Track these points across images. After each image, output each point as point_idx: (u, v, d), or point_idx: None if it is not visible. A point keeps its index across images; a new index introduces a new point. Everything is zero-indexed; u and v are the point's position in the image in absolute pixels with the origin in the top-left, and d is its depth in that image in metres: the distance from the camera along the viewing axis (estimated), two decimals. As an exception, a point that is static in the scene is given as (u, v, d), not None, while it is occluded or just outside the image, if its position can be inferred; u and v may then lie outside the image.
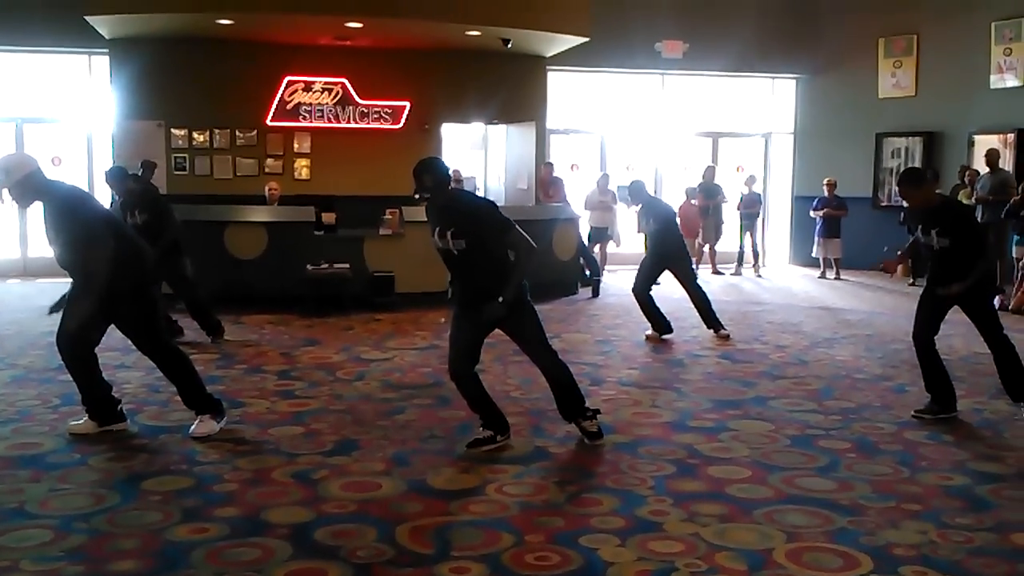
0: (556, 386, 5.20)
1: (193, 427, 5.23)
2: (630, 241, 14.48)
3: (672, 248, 8.70)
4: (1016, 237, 10.87)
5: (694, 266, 14.06)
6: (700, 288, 8.74)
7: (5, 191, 5.06)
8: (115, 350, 7.64)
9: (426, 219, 5.15)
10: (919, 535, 3.89)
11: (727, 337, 8.52)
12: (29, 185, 4.95)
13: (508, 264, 5.03)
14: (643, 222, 8.99)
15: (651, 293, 8.67)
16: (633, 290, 8.69)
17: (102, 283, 4.87)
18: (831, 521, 4.04)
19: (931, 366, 5.90)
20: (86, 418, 5.26)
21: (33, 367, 6.99)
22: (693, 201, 14.20)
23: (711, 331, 8.62)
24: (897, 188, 5.97)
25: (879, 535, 3.89)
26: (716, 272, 13.96)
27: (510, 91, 13.41)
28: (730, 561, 3.61)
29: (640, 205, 8.91)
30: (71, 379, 5.31)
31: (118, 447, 5.01)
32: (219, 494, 4.31)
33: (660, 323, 8.58)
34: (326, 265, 9.97)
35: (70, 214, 4.98)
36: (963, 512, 4.17)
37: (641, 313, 8.71)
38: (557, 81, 14.36)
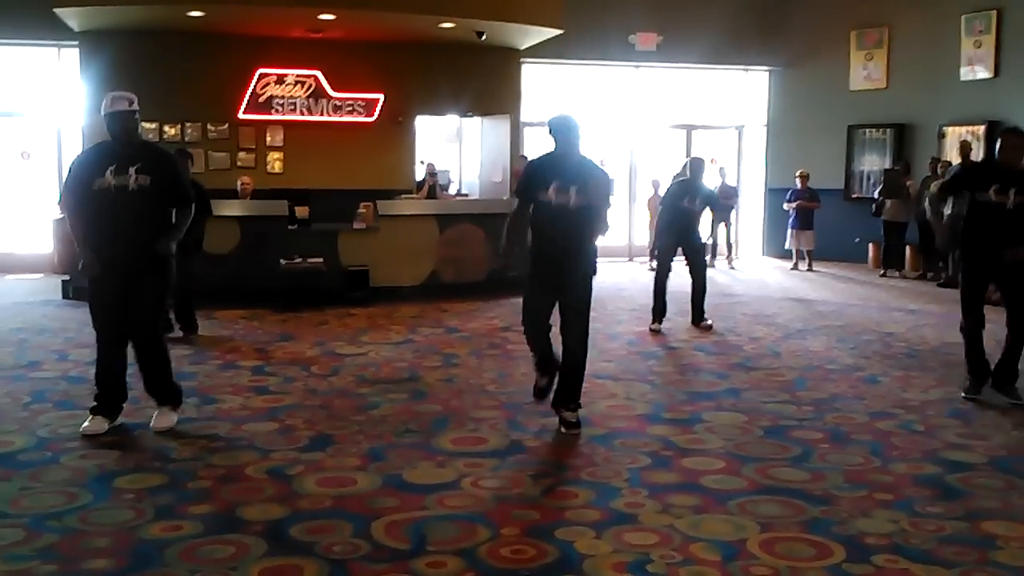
0: (569, 368, 5.29)
1: (154, 421, 5.20)
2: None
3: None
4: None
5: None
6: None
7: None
8: (87, 347, 7.59)
9: (535, 174, 5.27)
10: (891, 524, 3.93)
11: (710, 328, 8.60)
12: None
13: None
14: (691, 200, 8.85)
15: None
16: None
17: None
18: (804, 511, 4.07)
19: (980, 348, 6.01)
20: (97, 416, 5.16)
21: (3, 364, 6.91)
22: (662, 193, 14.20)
23: (693, 323, 8.71)
24: (1003, 139, 5.92)
25: (851, 524, 3.92)
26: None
27: (484, 84, 13.38)
28: (705, 552, 3.64)
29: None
30: (42, 376, 5.26)
31: (90, 445, 4.96)
32: (193, 491, 4.28)
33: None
34: (300, 259, 9.92)
35: None
36: (934, 501, 4.22)
37: (623, 307, 8.74)
38: (531, 74, 14.35)
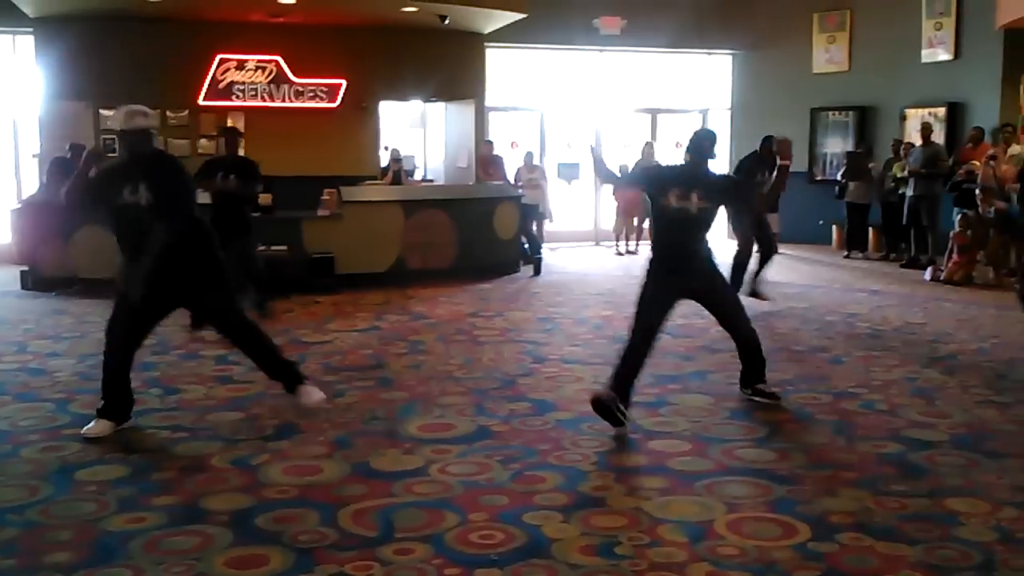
0: (747, 350, 5.46)
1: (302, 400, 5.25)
2: (571, 219, 14.56)
3: None
4: (955, 209, 11.11)
5: (635, 243, 14.18)
6: None
7: None
8: (46, 338, 7.49)
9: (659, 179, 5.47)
10: (855, 502, 3.97)
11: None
12: None
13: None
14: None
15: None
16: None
17: None
18: (770, 491, 4.10)
19: None
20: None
21: (-40, 357, 6.79)
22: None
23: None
24: None
25: (816, 503, 3.96)
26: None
27: (448, 68, 13.31)
28: (672, 533, 3.65)
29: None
30: (0, 368, 5.16)
31: (50, 437, 4.89)
32: (156, 483, 4.23)
33: None
34: (263, 247, 9.81)
35: None
36: (898, 479, 4.26)
37: (590, 292, 8.74)
38: (496, 58, 14.29)
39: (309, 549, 3.51)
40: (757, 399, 5.51)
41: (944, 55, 13.18)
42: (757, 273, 9.01)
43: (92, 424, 4.93)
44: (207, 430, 5.04)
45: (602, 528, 3.70)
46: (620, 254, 13.75)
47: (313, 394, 5.29)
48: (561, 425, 5.11)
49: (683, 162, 5.45)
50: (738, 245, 9.00)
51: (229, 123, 12.26)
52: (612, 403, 4.91)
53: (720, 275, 5.46)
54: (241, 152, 8.50)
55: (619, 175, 5.80)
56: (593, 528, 3.71)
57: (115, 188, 4.89)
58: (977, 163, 11.20)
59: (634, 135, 15.39)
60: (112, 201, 4.90)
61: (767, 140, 9.03)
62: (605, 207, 15.14)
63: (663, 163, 5.73)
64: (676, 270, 5.22)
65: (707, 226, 5.30)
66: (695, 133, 5.49)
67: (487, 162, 13.16)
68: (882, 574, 3.34)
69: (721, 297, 5.46)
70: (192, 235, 5.02)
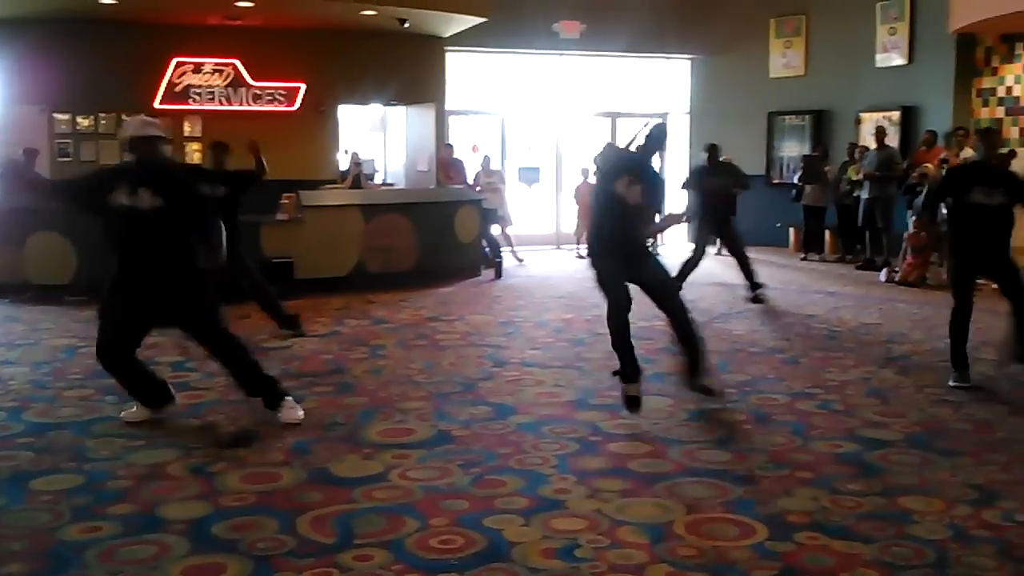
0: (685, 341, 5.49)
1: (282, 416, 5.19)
2: (532, 222, 14.57)
3: None
4: (908, 211, 11.27)
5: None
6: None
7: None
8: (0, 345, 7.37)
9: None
10: (811, 502, 4.01)
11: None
12: None
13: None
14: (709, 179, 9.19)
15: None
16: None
17: None
18: (728, 492, 4.13)
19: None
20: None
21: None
22: (590, 180, 14.27)
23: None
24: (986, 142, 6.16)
25: (774, 503, 4.00)
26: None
27: (408, 72, 13.28)
28: (632, 535, 3.67)
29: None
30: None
31: (3, 446, 4.81)
32: (111, 491, 4.17)
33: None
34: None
35: None
36: (853, 478, 4.32)
37: (550, 295, 8.77)
38: (456, 62, 14.28)
39: (267, 557, 3.48)
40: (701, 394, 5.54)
41: (898, 60, 13.38)
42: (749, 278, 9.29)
43: (134, 409, 5.23)
44: (163, 438, 4.97)
45: (562, 531, 3.71)
46: (581, 257, 13.78)
47: (295, 411, 5.22)
48: (522, 429, 5.11)
49: (635, 151, 5.48)
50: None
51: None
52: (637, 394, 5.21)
53: (654, 258, 5.58)
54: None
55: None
56: (553, 531, 3.71)
57: (108, 190, 4.90)
58: (930, 166, 11.37)
59: (594, 139, 15.44)
60: (102, 204, 4.90)
61: (710, 148, 9.16)
62: (566, 210, 15.18)
63: (617, 147, 5.78)
64: (612, 252, 5.33)
65: (642, 217, 5.39)
66: (657, 128, 5.50)
67: (447, 166, 13.15)
68: (838, 572, 3.38)
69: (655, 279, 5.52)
70: (184, 246, 5.02)
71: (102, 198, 4.92)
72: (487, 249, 12.05)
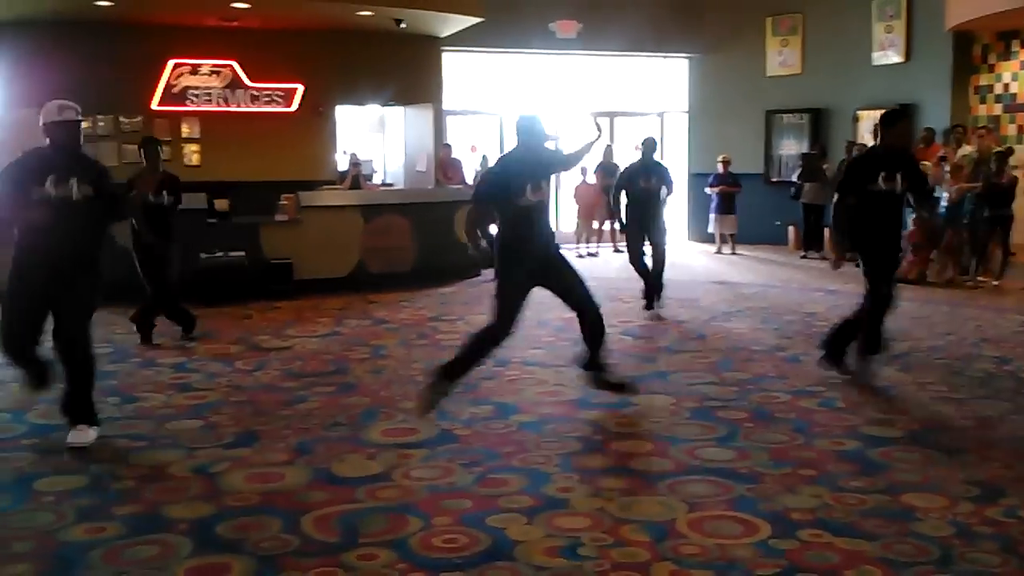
0: (594, 333, 5.41)
1: (71, 436, 4.83)
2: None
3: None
4: (908, 209, 11.25)
5: (595, 246, 14.25)
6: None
7: None
8: None
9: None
10: (814, 499, 4.02)
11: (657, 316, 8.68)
12: None
13: None
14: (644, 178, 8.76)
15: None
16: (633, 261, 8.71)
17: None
18: (731, 490, 4.14)
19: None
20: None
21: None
22: (590, 180, 14.29)
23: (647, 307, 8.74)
24: (896, 125, 5.91)
25: (777, 501, 4.00)
26: (617, 250, 14.11)
27: (405, 72, 13.27)
28: (635, 533, 3.67)
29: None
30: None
31: (5, 447, 4.81)
32: (115, 492, 4.17)
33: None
34: (221, 253, 9.73)
35: None
36: (856, 475, 4.32)
37: (548, 294, 8.71)
38: (453, 62, 14.28)
39: (272, 556, 3.49)
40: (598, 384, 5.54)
41: (895, 57, 13.40)
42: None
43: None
44: (166, 438, 4.98)
45: (566, 529, 3.72)
46: (581, 256, 13.77)
47: (86, 435, 4.84)
48: (524, 428, 5.12)
49: (519, 151, 5.41)
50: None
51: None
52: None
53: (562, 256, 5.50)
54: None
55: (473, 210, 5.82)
56: (557, 529, 3.72)
57: (37, 177, 4.77)
58: (927, 163, 11.39)
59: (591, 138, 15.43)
60: (28, 192, 4.76)
61: (648, 141, 8.99)
62: (565, 210, 15.18)
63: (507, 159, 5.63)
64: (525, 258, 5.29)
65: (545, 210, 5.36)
66: (524, 119, 5.48)
67: (446, 165, 13.16)
68: (842, 570, 3.38)
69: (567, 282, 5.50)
70: (101, 237, 4.98)
71: (27, 190, 4.76)
72: (487, 249, 12.02)
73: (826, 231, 13.75)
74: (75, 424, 4.86)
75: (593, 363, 5.49)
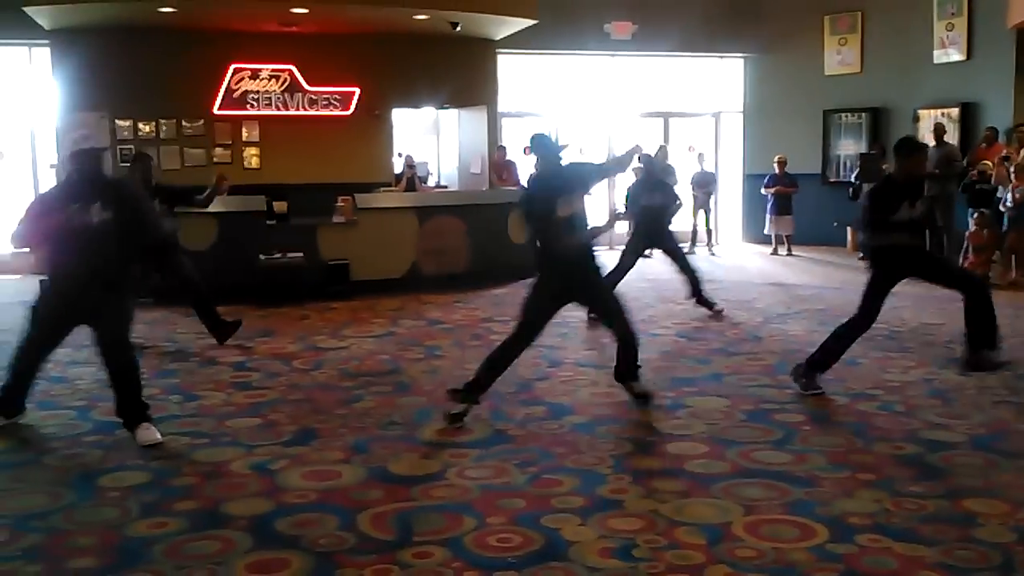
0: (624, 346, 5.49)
1: (139, 436, 4.96)
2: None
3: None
4: (970, 210, 11.08)
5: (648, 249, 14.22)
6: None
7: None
8: (67, 346, 7.53)
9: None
10: (873, 504, 3.97)
11: (720, 312, 8.72)
12: None
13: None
14: (647, 196, 8.84)
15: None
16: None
17: None
18: (787, 493, 4.10)
19: None
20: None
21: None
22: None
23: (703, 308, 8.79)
24: (914, 153, 5.86)
25: (834, 505, 3.96)
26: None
27: (460, 75, 13.35)
28: (689, 536, 3.66)
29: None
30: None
31: (73, 444, 4.94)
32: (177, 488, 4.27)
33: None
34: (279, 255, 9.88)
35: None
36: (915, 480, 4.26)
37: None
38: (507, 64, 14.33)
39: (329, 553, 3.54)
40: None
41: (956, 55, 13.14)
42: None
43: None
44: (226, 436, 5.08)
45: (619, 531, 3.72)
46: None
47: (152, 433, 4.98)
48: (577, 428, 5.12)
49: (540, 170, 5.54)
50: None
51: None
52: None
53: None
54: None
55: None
56: (610, 531, 3.72)
57: (62, 205, 4.98)
58: (988, 162, 11.17)
59: (646, 139, 15.38)
60: (57, 220, 4.97)
61: (646, 159, 8.92)
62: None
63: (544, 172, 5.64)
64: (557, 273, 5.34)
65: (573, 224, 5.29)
66: (535, 137, 5.45)
67: (500, 167, 13.20)
68: (901, 575, 3.34)
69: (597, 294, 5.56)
70: (129, 257, 5.13)
71: (55, 219, 4.97)
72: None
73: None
74: (133, 427, 4.99)
75: (624, 373, 5.57)
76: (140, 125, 12.50)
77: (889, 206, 5.71)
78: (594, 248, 5.44)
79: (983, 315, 5.85)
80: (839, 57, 14.86)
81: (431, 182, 14.05)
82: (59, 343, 5.25)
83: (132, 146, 12.47)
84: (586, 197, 5.40)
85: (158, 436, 4.96)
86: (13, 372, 5.20)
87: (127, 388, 5.04)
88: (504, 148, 13.55)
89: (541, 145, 5.39)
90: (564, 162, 5.51)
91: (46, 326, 5.18)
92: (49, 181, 12.76)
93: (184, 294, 7.62)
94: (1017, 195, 10.30)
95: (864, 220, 6.06)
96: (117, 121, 12.42)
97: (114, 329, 5.06)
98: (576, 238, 5.29)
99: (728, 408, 5.49)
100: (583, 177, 5.48)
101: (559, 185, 5.29)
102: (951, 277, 6.14)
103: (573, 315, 8.85)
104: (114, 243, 5.00)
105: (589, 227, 5.38)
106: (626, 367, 5.57)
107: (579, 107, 15.37)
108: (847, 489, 4.15)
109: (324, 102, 12.99)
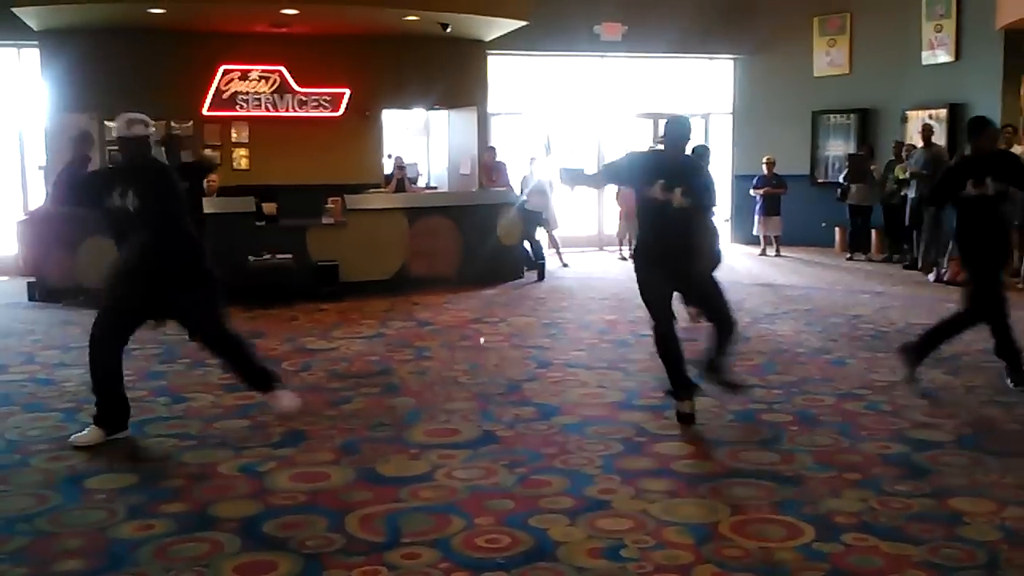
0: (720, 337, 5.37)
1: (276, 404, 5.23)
2: (574, 224, 14.55)
3: None
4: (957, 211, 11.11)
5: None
6: None
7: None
8: (54, 348, 7.52)
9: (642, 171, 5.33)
10: (860, 503, 3.98)
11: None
12: None
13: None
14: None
15: None
16: None
17: None
18: (774, 493, 4.12)
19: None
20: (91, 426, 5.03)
21: (-31, 368, 6.83)
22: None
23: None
24: (985, 130, 5.98)
25: (821, 504, 3.98)
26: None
27: (450, 76, 13.35)
28: (678, 536, 3.67)
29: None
30: (8, 379, 5.20)
31: (59, 447, 4.92)
32: (165, 490, 4.26)
33: None
34: (268, 256, 9.87)
35: None
36: (902, 479, 4.28)
37: (593, 296, 8.74)
38: (498, 65, 14.33)
39: (317, 555, 3.54)
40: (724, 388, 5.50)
41: (944, 57, 13.19)
42: None
43: (84, 432, 4.96)
44: (215, 438, 5.07)
45: (608, 531, 3.73)
46: (624, 259, 13.75)
47: (286, 399, 5.24)
48: (566, 429, 5.13)
49: (661, 152, 5.50)
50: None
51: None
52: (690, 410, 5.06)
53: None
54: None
55: (591, 175, 5.79)
56: (599, 531, 3.73)
57: (106, 191, 4.96)
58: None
59: (636, 140, 15.41)
60: (102, 203, 4.97)
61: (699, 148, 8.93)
62: (608, 212, 15.16)
63: (637, 152, 5.71)
64: (658, 262, 5.22)
65: (689, 220, 5.16)
66: (670, 122, 5.41)
67: (490, 168, 13.19)
68: (887, 574, 3.35)
69: (706, 291, 5.40)
70: (177, 244, 5.04)
71: (100, 198, 4.97)
72: (530, 251, 12.06)
73: (873, 233, 13.61)
74: (268, 392, 5.22)
75: (713, 365, 5.49)
76: (129, 126, 12.43)
77: (956, 182, 5.92)
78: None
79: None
80: (828, 58, 14.91)
81: (421, 183, 14.03)
82: (128, 334, 5.08)
83: (115, 141, 12.41)
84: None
85: (290, 402, 5.22)
86: (95, 382, 5.04)
87: (241, 368, 5.23)
88: (494, 149, 13.54)
89: (673, 130, 5.33)
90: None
91: (110, 324, 5.01)
92: (37, 182, 12.75)
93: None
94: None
95: (930, 193, 6.15)
96: (106, 122, 12.34)
97: (198, 318, 5.19)
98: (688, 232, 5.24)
99: (716, 408, 5.50)
100: (699, 175, 5.39)
101: (670, 171, 5.20)
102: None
103: (563, 316, 8.88)
104: (153, 229, 4.91)
105: None
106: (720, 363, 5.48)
107: (569, 108, 15.38)
108: (834, 488, 4.17)
109: (314, 103, 12.98)
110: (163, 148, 7.99)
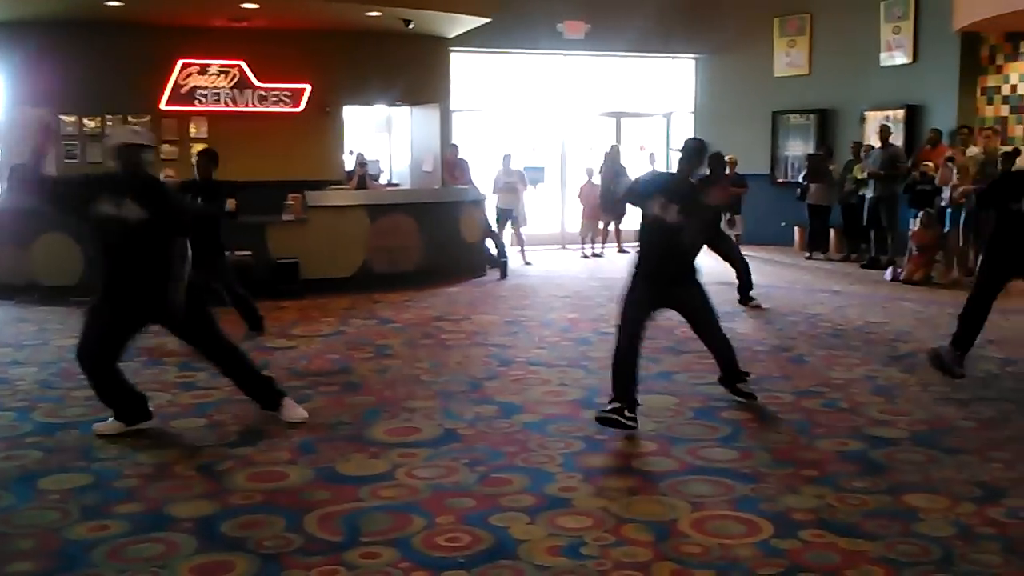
0: (723, 356, 5.57)
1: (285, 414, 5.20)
2: (537, 222, 14.55)
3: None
4: (913, 211, 11.29)
5: (600, 246, 14.27)
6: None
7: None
8: (7, 346, 7.39)
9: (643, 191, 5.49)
10: (817, 499, 4.02)
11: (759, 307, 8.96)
12: None
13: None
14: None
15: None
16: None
17: None
18: (733, 489, 4.14)
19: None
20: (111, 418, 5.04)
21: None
22: (595, 181, 14.27)
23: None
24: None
25: (779, 501, 4.01)
26: (621, 251, 14.11)
27: (413, 72, 13.29)
28: (637, 532, 3.68)
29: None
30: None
31: (11, 446, 4.84)
32: (119, 490, 4.20)
33: None
34: (227, 253, 9.74)
35: None
36: (858, 476, 4.33)
37: (556, 295, 8.75)
38: (460, 62, 14.29)
39: (275, 555, 3.51)
40: (737, 398, 5.58)
41: (902, 58, 13.37)
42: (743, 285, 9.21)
43: (107, 421, 5.02)
44: (171, 437, 5.01)
45: (568, 529, 3.73)
46: (586, 257, 13.80)
47: (295, 411, 5.25)
48: (527, 427, 5.13)
49: (675, 171, 5.60)
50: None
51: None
52: (615, 413, 4.93)
53: (701, 287, 5.46)
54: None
55: (621, 197, 5.99)
56: (559, 529, 3.73)
57: (93, 198, 4.87)
58: (930, 164, 11.39)
59: (599, 138, 15.46)
60: (87, 210, 4.88)
61: (715, 157, 8.98)
62: (571, 210, 15.19)
63: (658, 171, 5.93)
64: (651, 277, 5.27)
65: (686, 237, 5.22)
66: (687, 144, 5.51)
67: (452, 166, 13.16)
68: (844, 570, 3.39)
69: (696, 309, 5.48)
70: (166, 257, 4.96)
71: (85, 205, 4.88)
72: (494, 249, 12.05)
73: (832, 232, 13.75)
74: (275, 406, 5.21)
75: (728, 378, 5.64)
76: (86, 120, 12.27)
77: (1008, 193, 6.01)
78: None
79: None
80: (788, 59, 15.04)
81: (383, 180, 13.96)
82: (118, 348, 5.07)
83: (77, 142, 12.26)
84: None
85: (299, 414, 5.20)
86: (98, 394, 5.05)
87: (243, 381, 5.22)
88: (456, 147, 13.50)
89: (689, 152, 5.40)
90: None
91: (101, 333, 4.98)
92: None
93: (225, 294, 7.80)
94: (955, 194, 10.50)
95: (979, 196, 6.46)
96: (62, 116, 12.17)
97: (192, 333, 5.17)
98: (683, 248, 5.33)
99: (676, 406, 5.53)
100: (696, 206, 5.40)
101: (671, 189, 5.31)
102: None
103: (524, 314, 8.88)
104: (150, 242, 4.86)
105: None
106: (729, 371, 5.63)
107: (532, 106, 15.38)
108: (791, 485, 4.20)
109: (274, 98, 12.86)
110: (200, 159, 8.28)
